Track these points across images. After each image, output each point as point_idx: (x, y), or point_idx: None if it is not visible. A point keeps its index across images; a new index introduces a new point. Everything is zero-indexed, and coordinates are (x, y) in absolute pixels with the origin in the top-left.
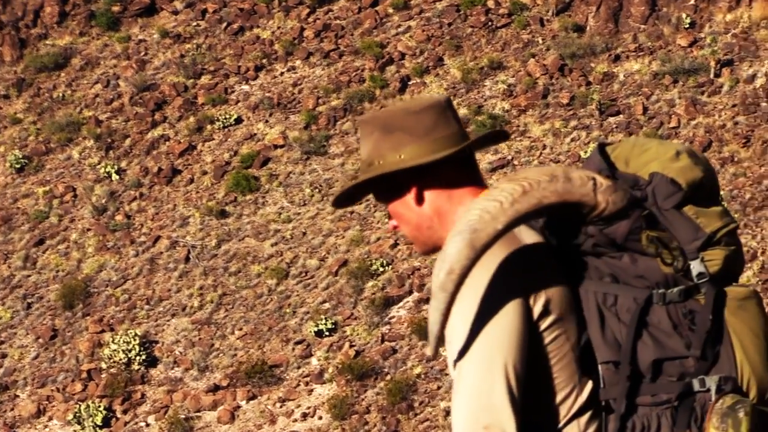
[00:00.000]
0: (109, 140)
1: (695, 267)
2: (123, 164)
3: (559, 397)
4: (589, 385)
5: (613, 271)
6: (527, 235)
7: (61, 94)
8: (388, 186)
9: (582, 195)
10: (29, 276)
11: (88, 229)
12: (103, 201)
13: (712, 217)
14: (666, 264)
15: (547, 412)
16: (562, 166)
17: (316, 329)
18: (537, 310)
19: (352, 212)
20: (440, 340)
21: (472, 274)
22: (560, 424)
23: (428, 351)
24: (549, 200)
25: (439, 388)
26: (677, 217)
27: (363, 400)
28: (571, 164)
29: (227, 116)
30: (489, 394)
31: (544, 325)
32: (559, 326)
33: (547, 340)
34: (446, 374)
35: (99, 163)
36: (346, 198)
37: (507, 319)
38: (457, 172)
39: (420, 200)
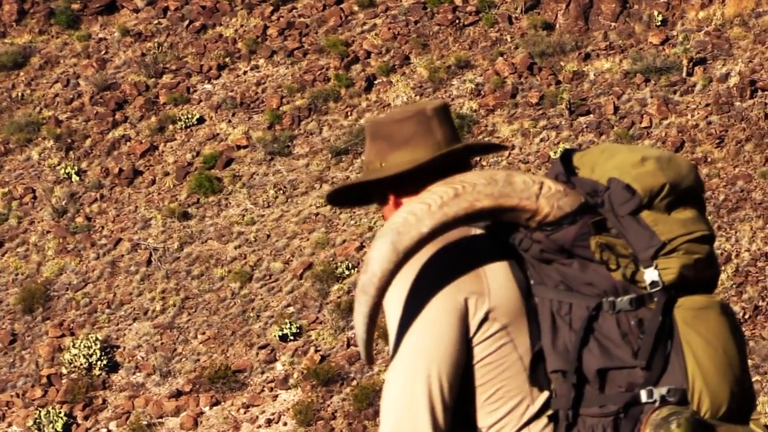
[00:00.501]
0: (69, 141)
1: (649, 275)
2: (83, 165)
3: (508, 406)
4: (544, 394)
5: (563, 278)
6: (475, 239)
7: (20, 94)
8: (374, 192)
9: (521, 199)
10: None
11: (48, 232)
12: (63, 203)
13: (673, 224)
14: (611, 270)
15: (495, 420)
16: (507, 170)
17: (280, 334)
18: (477, 317)
19: (317, 214)
20: (368, 344)
21: (403, 275)
22: None
23: (361, 356)
24: (482, 204)
25: None
26: (633, 224)
27: (329, 405)
28: (541, 164)
29: (189, 116)
30: (411, 403)
31: (486, 333)
32: (504, 334)
33: (491, 348)
34: None
35: (59, 164)
36: (342, 199)
37: (435, 326)
38: (440, 179)
39: (398, 207)
